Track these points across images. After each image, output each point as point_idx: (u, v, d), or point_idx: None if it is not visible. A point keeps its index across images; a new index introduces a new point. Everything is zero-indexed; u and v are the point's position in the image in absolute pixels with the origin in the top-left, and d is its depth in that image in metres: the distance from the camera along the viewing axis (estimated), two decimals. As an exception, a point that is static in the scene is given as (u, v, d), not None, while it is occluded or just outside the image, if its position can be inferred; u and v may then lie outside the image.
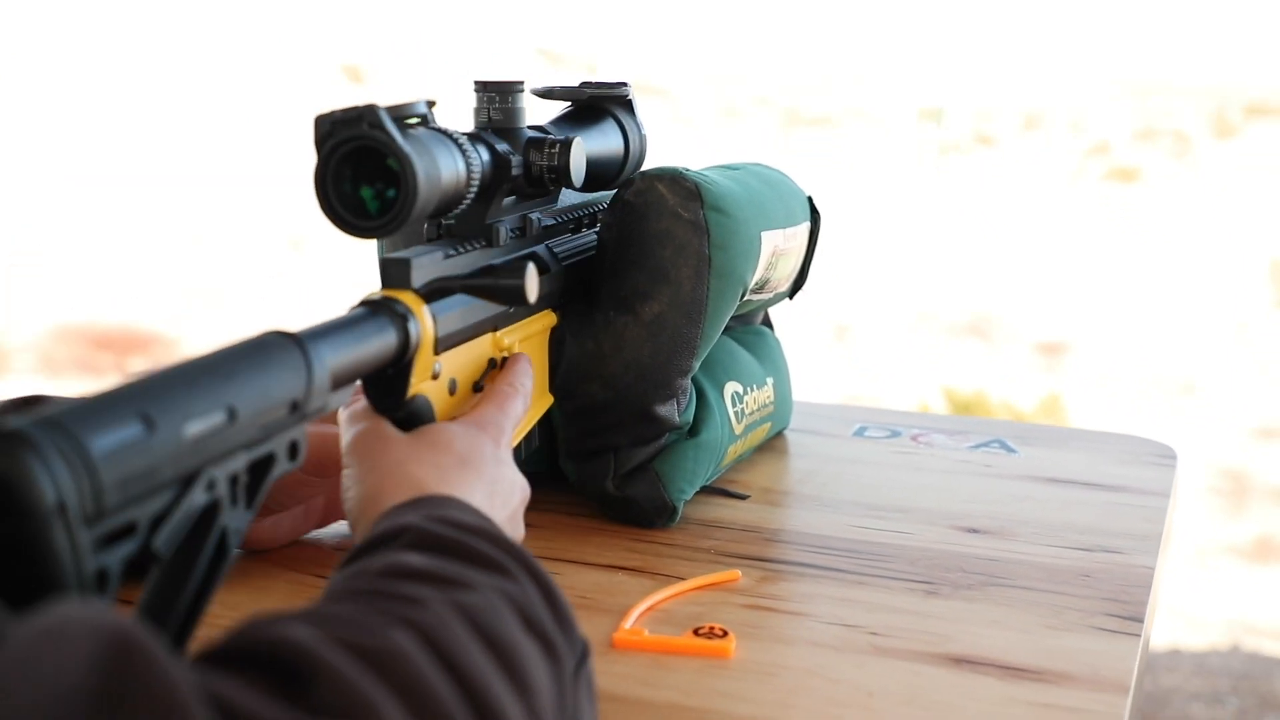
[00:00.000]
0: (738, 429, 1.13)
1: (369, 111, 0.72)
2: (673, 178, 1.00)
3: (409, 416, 0.77)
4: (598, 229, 1.03)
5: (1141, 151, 11.61)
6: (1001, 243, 8.41)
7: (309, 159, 0.74)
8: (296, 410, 0.63)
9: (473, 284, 0.79)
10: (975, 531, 1.06)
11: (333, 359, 0.66)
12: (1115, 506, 1.13)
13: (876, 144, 11.47)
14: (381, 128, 0.72)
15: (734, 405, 1.13)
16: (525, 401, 0.84)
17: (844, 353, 6.27)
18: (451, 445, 0.74)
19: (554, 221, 0.97)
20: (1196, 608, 3.65)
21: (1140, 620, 0.89)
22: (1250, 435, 5.48)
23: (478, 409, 0.81)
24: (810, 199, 1.20)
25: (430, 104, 0.79)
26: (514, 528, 0.78)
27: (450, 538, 0.61)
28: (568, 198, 1.02)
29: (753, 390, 1.17)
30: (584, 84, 1.04)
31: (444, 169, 0.76)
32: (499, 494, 0.75)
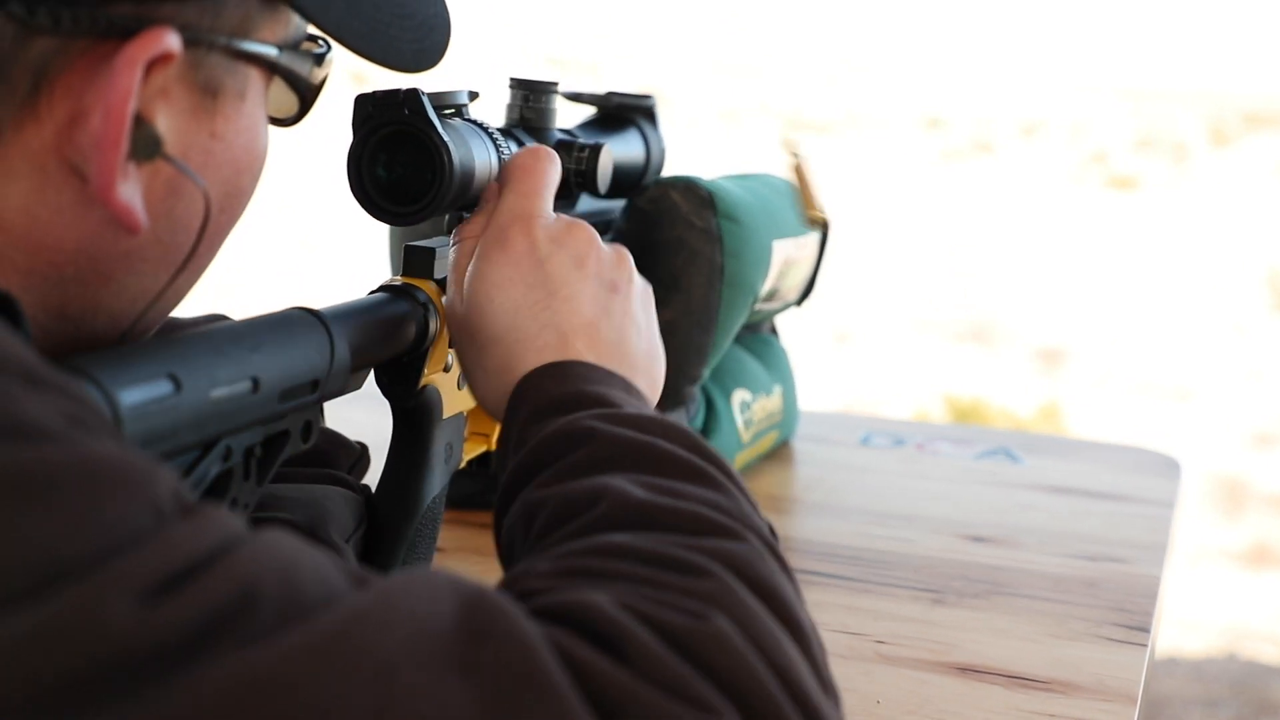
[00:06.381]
0: (745, 437, 1.13)
1: (410, 96, 0.71)
2: (687, 186, 1.01)
3: (418, 407, 0.77)
4: (610, 235, 1.04)
5: (1140, 160, 11.63)
6: (1001, 250, 8.42)
7: (317, 160, 0.73)
8: (317, 389, 0.62)
9: None
10: (981, 540, 1.07)
11: (354, 341, 0.66)
12: (1120, 516, 1.14)
13: (877, 150, 11.47)
14: (422, 113, 0.71)
15: (742, 413, 1.13)
16: (552, 164, 0.73)
17: (844, 359, 6.27)
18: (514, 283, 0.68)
19: None
20: (1193, 613, 3.65)
21: (1147, 630, 0.90)
22: (1247, 442, 5.48)
23: (493, 213, 0.71)
24: (819, 209, 1.21)
25: (473, 95, 0.78)
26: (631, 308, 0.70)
27: (644, 443, 0.56)
28: (583, 204, 1.03)
29: (761, 398, 1.17)
30: (611, 93, 1.04)
31: (478, 159, 0.76)
32: (591, 290, 0.67)
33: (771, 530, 0.56)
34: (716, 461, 0.57)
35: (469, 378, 0.71)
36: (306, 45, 0.57)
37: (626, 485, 0.53)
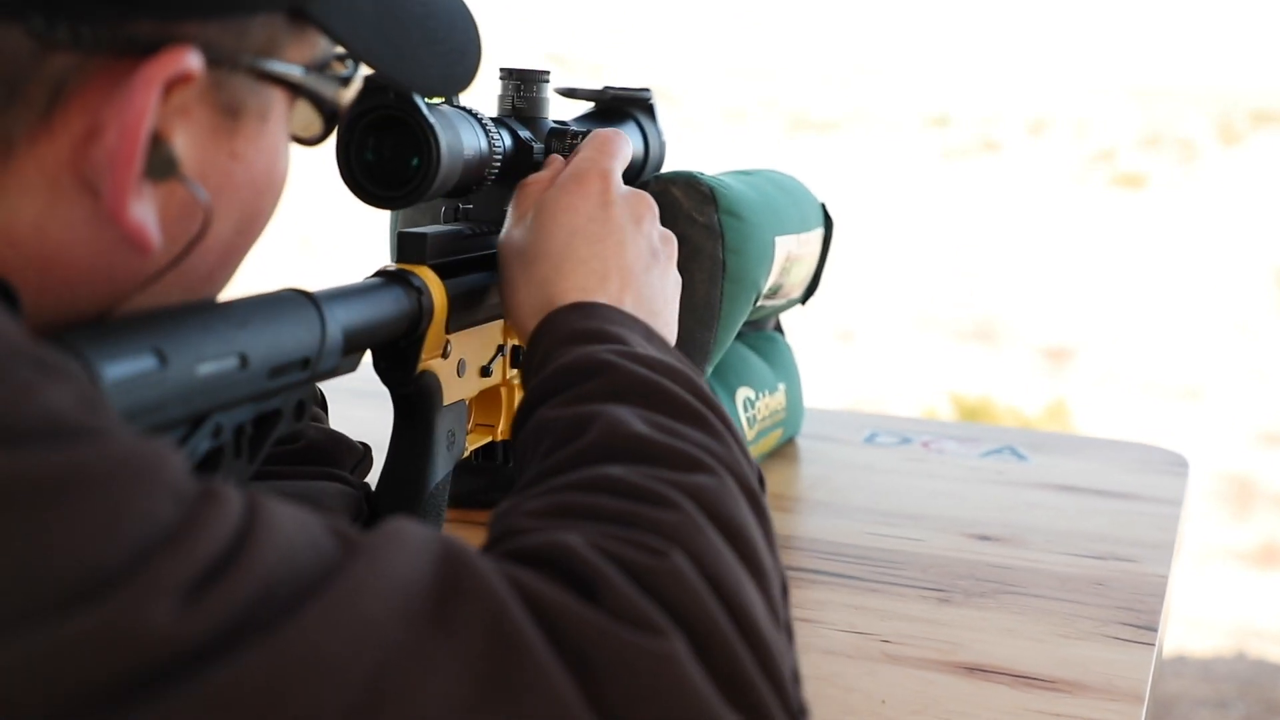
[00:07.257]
0: (750, 434, 1.13)
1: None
2: (688, 181, 1.00)
3: (417, 392, 0.77)
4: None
5: (1147, 158, 11.61)
6: (1007, 248, 8.41)
7: (317, 157, 0.74)
8: (308, 367, 0.62)
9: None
10: (987, 539, 1.06)
11: (347, 322, 0.66)
12: (1127, 515, 1.13)
13: (882, 148, 11.47)
14: (407, 97, 0.71)
15: (746, 410, 1.12)
16: (627, 144, 0.81)
17: (849, 357, 6.27)
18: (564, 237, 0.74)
19: None
20: (1202, 613, 3.64)
21: (1154, 629, 0.89)
22: (1255, 440, 5.48)
23: (568, 165, 0.79)
24: (824, 205, 1.20)
25: None
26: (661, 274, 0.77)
27: (652, 382, 0.61)
28: None
29: (765, 396, 1.17)
30: (607, 87, 1.03)
31: (466, 144, 0.76)
32: (632, 258, 0.74)
33: (761, 481, 0.60)
34: (715, 408, 0.62)
35: (507, 291, 0.75)
36: (334, 66, 0.56)
37: (627, 417, 0.58)
